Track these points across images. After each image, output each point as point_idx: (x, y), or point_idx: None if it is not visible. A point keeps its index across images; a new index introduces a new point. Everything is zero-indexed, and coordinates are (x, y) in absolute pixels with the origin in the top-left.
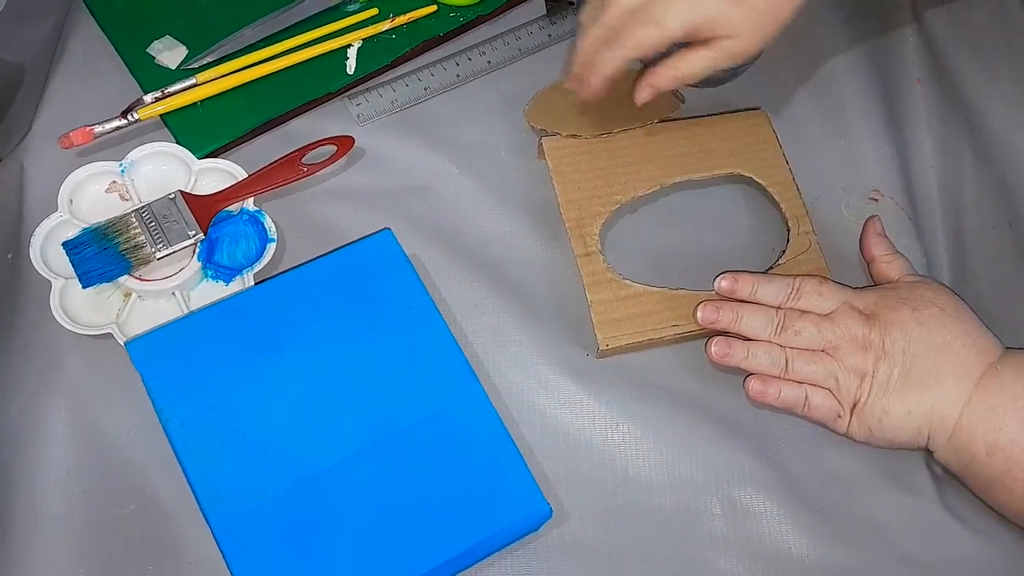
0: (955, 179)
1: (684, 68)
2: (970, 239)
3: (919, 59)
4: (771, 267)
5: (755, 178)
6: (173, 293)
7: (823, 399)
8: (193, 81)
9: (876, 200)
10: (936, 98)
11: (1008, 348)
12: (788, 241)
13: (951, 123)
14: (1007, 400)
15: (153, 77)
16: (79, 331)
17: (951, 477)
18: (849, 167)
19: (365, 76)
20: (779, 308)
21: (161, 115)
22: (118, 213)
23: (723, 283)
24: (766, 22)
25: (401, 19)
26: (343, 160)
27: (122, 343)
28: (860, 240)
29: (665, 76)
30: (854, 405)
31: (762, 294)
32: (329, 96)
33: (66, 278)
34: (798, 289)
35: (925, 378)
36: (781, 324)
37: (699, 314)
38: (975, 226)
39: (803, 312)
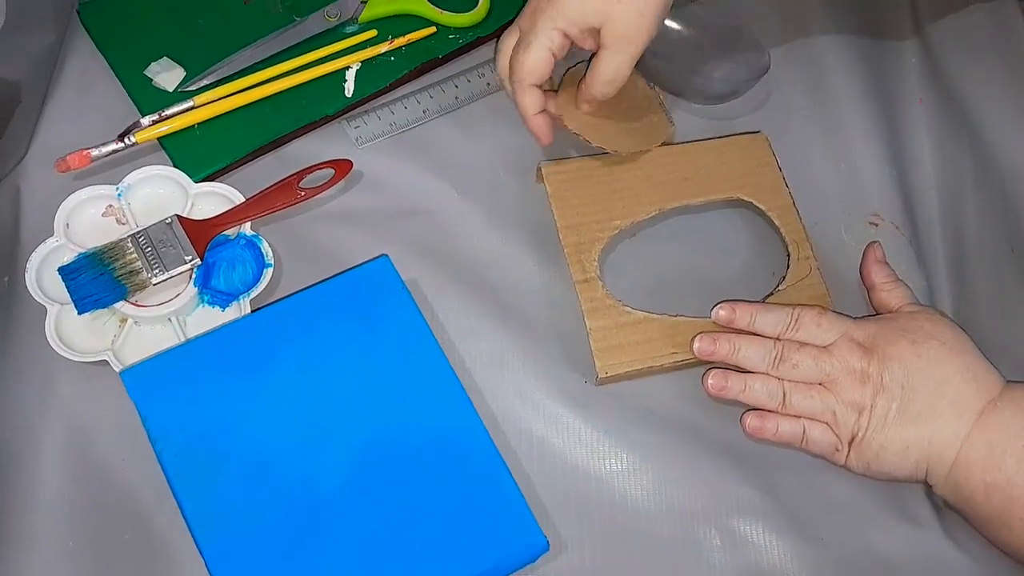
0: (957, 202)
1: (597, 72)
2: (972, 264)
3: (921, 79)
4: (771, 293)
5: (755, 202)
6: (169, 319)
7: (821, 433)
8: (190, 103)
9: (876, 224)
10: (938, 118)
11: (1009, 382)
12: (788, 267)
13: (953, 144)
14: (1006, 438)
15: (150, 99)
16: (75, 358)
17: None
18: (850, 191)
19: (364, 98)
20: (777, 339)
21: (158, 138)
22: (114, 237)
23: (721, 312)
24: None
25: (400, 41)
26: (341, 183)
27: (117, 371)
28: (860, 267)
29: (589, 85)
30: (852, 439)
31: (760, 324)
32: (327, 119)
33: (62, 304)
34: (797, 320)
35: (923, 413)
36: (779, 356)
37: (696, 346)
38: (977, 251)
39: (801, 344)
